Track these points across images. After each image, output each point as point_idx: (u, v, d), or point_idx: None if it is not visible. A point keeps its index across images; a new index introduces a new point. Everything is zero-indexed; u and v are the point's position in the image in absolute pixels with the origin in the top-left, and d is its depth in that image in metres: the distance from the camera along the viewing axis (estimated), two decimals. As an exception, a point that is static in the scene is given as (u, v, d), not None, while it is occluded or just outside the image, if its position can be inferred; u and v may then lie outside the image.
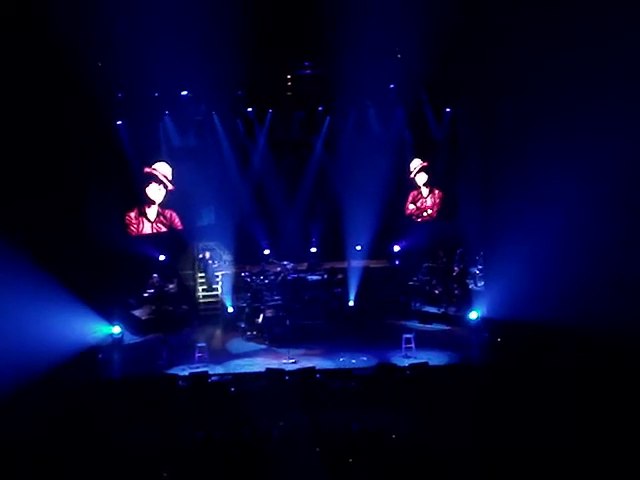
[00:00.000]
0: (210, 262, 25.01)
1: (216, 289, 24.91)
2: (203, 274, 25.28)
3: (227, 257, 25.68)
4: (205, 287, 25.11)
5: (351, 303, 23.20)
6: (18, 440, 13.41)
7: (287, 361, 19.25)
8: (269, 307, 22.20)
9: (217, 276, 25.06)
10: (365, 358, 19.36)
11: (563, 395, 14.66)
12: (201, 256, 25.35)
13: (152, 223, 24.97)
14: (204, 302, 24.85)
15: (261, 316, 22.00)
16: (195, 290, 25.09)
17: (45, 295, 18.11)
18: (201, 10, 18.47)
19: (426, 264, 24.65)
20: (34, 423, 14.13)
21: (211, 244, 25.63)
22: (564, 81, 17.55)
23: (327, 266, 24.98)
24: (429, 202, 26.98)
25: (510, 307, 19.03)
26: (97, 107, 20.83)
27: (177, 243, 24.94)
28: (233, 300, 24.08)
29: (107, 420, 14.72)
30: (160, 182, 24.85)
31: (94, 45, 19.15)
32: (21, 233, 18.27)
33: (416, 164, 26.78)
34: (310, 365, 18.14)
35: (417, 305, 23.81)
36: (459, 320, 22.15)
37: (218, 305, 24.37)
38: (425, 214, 27.05)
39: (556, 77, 17.68)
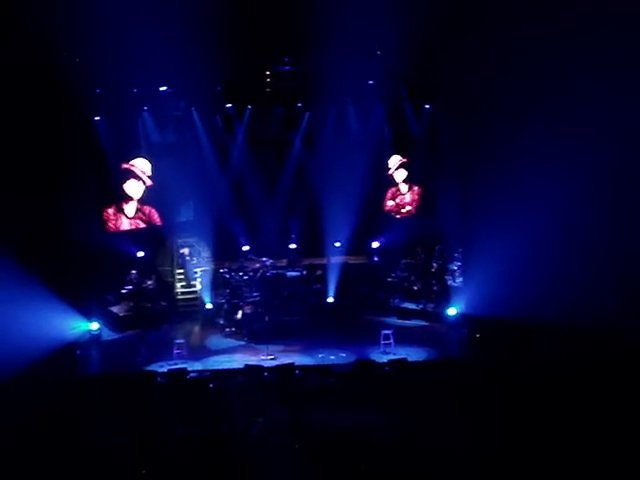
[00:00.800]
0: (189, 258, 24.93)
1: (195, 285, 24.82)
2: (182, 270, 25.15)
3: (206, 253, 25.59)
4: (184, 284, 24.97)
5: (330, 299, 23.24)
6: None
7: (266, 357, 19.24)
8: (248, 303, 22.17)
9: (196, 272, 24.97)
10: (344, 354, 19.39)
11: (541, 391, 14.76)
12: (180, 252, 25.22)
13: (130, 219, 24.87)
14: (183, 298, 24.74)
15: (240, 312, 21.97)
16: (174, 286, 24.98)
17: (23, 291, 18.07)
18: (180, 5, 18.41)
19: (405, 260, 24.67)
20: (12, 419, 14.07)
21: (190, 240, 25.52)
22: (545, 78, 17.65)
23: (306, 262, 25.01)
24: (408, 198, 26.99)
25: (489, 303, 19.13)
26: (75, 103, 20.72)
27: (156, 239, 24.81)
28: (212, 296, 24.04)
29: (85, 416, 14.66)
30: (139, 178, 24.76)
31: (72, 41, 19.04)
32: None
33: (395, 160, 26.78)
34: (289, 361, 18.15)
35: (396, 301, 23.83)
36: (438, 316, 22.22)
37: (197, 302, 24.30)
38: (404, 210, 27.05)
39: (537, 73, 17.77)
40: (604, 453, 12.29)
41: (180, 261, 25.19)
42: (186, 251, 25.05)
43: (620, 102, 16.40)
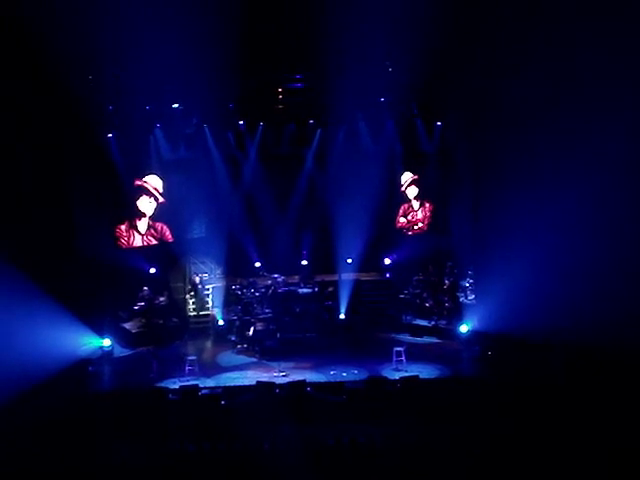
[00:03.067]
0: (201, 287, 24.78)
1: (207, 311, 24.81)
2: (194, 298, 25.07)
3: (218, 272, 25.58)
4: (195, 307, 25.01)
5: (342, 316, 23.22)
6: (7, 453, 13.36)
7: (278, 374, 19.21)
8: (260, 320, 22.18)
9: (208, 302, 24.91)
10: (356, 371, 19.33)
11: (552, 408, 14.69)
12: (192, 280, 25.14)
13: (143, 236, 24.92)
14: (194, 315, 24.76)
15: (252, 329, 21.95)
16: (185, 303, 24.97)
17: (36, 308, 18.07)
18: (193, 23, 18.48)
19: (417, 277, 24.67)
20: (24, 435, 14.08)
21: (202, 260, 25.46)
22: (557, 94, 17.61)
23: (318, 279, 24.96)
24: (420, 215, 27.00)
25: (501, 320, 19.06)
26: (88, 120, 20.81)
27: (168, 256, 24.85)
28: (224, 313, 24.08)
29: (97, 433, 14.66)
30: (151, 195, 24.83)
31: (85, 58, 19.14)
32: (11, 246, 18.20)
33: (407, 177, 26.82)
34: (301, 378, 18.06)
35: (408, 318, 23.80)
36: (450, 333, 22.16)
37: (209, 318, 24.31)
38: (416, 227, 27.07)
39: (549, 90, 17.73)
40: (619, 473, 12.22)
41: (192, 288, 25.07)
42: (197, 279, 24.85)
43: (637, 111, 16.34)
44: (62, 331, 18.87)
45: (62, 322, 18.95)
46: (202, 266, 25.16)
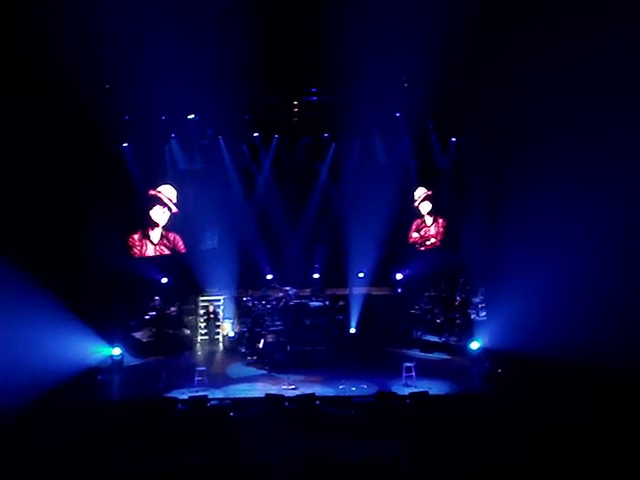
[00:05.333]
0: (212, 317, 24.54)
1: (216, 341, 24.57)
2: (207, 329, 24.72)
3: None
4: (207, 334, 24.79)
5: (352, 330, 23.16)
6: (17, 462, 13.38)
7: (287, 387, 19.16)
8: (270, 332, 22.15)
9: (218, 332, 24.61)
10: (365, 386, 19.26)
11: (562, 428, 14.60)
12: (204, 311, 24.93)
13: (155, 245, 25.01)
14: (205, 326, 24.71)
15: (262, 341, 21.92)
16: (197, 314, 24.94)
17: (46, 316, 18.11)
18: (210, 34, 18.55)
19: (428, 293, 24.62)
20: (33, 444, 14.09)
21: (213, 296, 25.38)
22: (572, 114, 17.56)
23: (329, 292, 24.94)
24: (432, 231, 26.99)
25: (512, 338, 18.97)
26: (104, 129, 20.90)
27: (180, 266, 24.87)
28: (234, 324, 24.08)
29: (104, 442, 14.65)
30: (164, 205, 24.92)
31: (102, 67, 19.22)
32: (23, 254, 18.25)
33: (420, 193, 26.83)
34: (310, 392, 18.03)
35: (418, 334, 23.74)
36: (460, 350, 22.08)
37: (219, 329, 24.31)
38: (428, 243, 27.05)
39: (567, 108, 17.68)
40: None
41: (203, 318, 24.87)
42: (211, 308, 24.56)
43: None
44: (73, 339, 18.92)
45: (73, 330, 19.00)
46: (215, 307, 24.75)
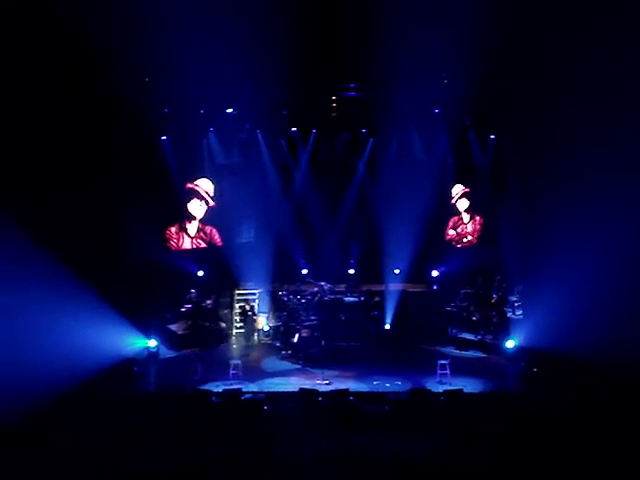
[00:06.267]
0: (250, 314, 24.40)
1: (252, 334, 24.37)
2: (243, 328, 24.56)
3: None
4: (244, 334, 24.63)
5: (387, 326, 23.13)
6: (52, 452, 13.50)
7: (321, 382, 19.21)
8: (305, 327, 22.20)
9: (253, 326, 24.39)
10: (399, 382, 19.25)
11: (596, 431, 14.48)
12: (240, 309, 24.93)
13: (192, 238, 25.11)
14: (241, 319, 24.73)
15: (296, 336, 21.97)
16: (232, 307, 25.01)
17: (84, 307, 18.25)
18: (249, 29, 18.59)
19: (464, 290, 24.49)
20: (69, 433, 14.22)
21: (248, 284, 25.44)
22: (612, 113, 17.40)
23: (364, 288, 24.93)
24: (469, 228, 26.85)
25: (548, 337, 18.84)
26: (143, 121, 21.01)
27: (216, 259, 24.95)
28: (269, 318, 24.13)
29: (139, 433, 14.75)
30: (202, 198, 25.01)
31: (142, 61, 19.31)
32: (61, 245, 18.41)
33: (458, 190, 26.70)
34: (344, 387, 18.04)
35: (454, 331, 23.66)
36: (496, 348, 21.97)
37: (254, 323, 24.34)
38: (465, 240, 26.91)
39: (606, 106, 17.53)
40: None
41: (240, 316, 24.81)
42: (247, 307, 24.46)
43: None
44: (110, 330, 19.05)
45: (110, 321, 19.13)
46: (252, 304, 24.73)
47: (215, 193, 25.28)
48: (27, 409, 14.59)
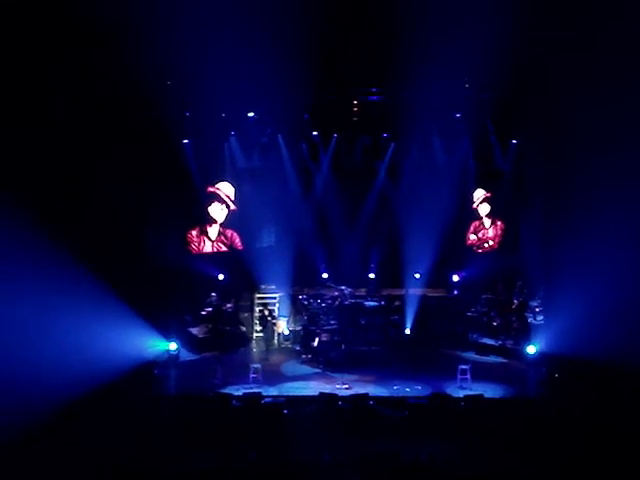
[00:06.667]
0: (270, 319, 24.02)
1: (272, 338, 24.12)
2: (262, 332, 24.30)
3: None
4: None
5: (407, 331, 23.06)
6: (74, 453, 13.57)
7: (341, 386, 19.17)
8: (325, 331, 22.15)
9: (273, 330, 24.14)
10: (419, 387, 19.19)
11: (619, 437, 14.40)
12: (260, 313, 24.66)
13: (213, 242, 25.19)
14: (260, 323, 24.70)
15: (316, 340, 21.95)
16: (252, 311, 24.99)
17: (104, 309, 18.31)
18: (270, 33, 18.61)
19: (485, 295, 24.42)
20: (89, 435, 14.28)
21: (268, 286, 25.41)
22: (635, 117, 17.30)
23: (385, 293, 24.90)
24: (491, 233, 26.79)
25: (569, 343, 18.71)
26: (165, 125, 21.07)
27: (237, 263, 24.98)
28: (289, 322, 24.13)
29: (158, 436, 14.80)
30: (222, 202, 25.09)
31: (165, 64, 19.39)
32: (81, 247, 18.49)
33: (479, 194, 26.64)
34: (364, 391, 18.04)
35: (474, 336, 23.58)
36: (517, 353, 21.84)
37: (274, 327, 24.34)
38: (486, 245, 26.85)
39: (626, 114, 17.43)
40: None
41: (260, 321, 24.56)
42: (266, 312, 24.04)
43: None
44: (130, 333, 19.10)
45: (131, 324, 19.18)
46: (271, 309, 24.57)
47: (236, 197, 25.35)
48: (48, 411, 14.68)
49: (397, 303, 24.07)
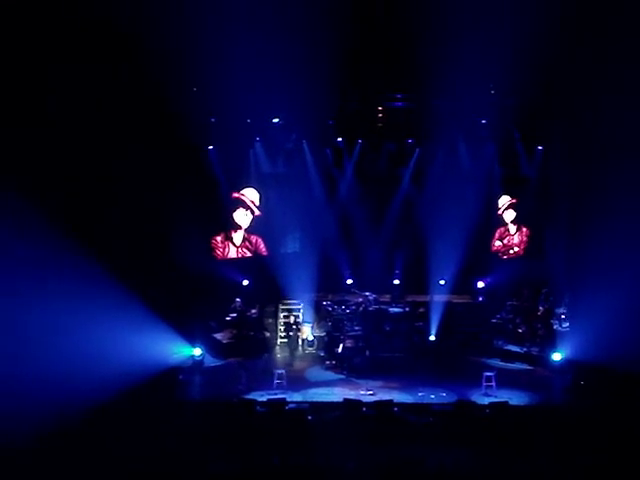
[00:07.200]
0: (294, 327, 23.83)
1: (296, 344, 23.88)
2: (287, 338, 24.03)
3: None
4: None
5: (432, 337, 22.97)
6: (99, 458, 13.63)
7: (365, 392, 19.13)
8: (349, 337, 22.12)
9: (298, 336, 23.89)
10: (444, 394, 19.11)
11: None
12: (284, 318, 24.71)
13: (237, 248, 25.24)
14: (285, 329, 24.69)
15: (341, 346, 21.92)
16: (277, 317, 24.99)
17: (130, 315, 18.42)
18: (296, 40, 18.66)
19: (510, 302, 24.29)
20: (117, 440, 14.34)
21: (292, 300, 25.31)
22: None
23: (409, 299, 24.84)
24: (516, 239, 26.69)
25: (595, 350, 18.64)
26: (190, 131, 21.16)
27: (261, 269, 24.99)
28: (313, 328, 24.11)
29: (183, 441, 14.83)
30: (247, 207, 25.14)
31: (190, 71, 19.50)
32: (108, 253, 18.62)
33: (504, 201, 26.55)
34: (388, 398, 17.99)
35: (499, 343, 23.44)
36: (542, 361, 21.73)
37: (298, 333, 24.32)
38: (511, 251, 26.75)
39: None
40: None
41: (284, 328, 24.46)
42: (292, 319, 23.98)
43: None
44: (156, 338, 19.21)
45: (156, 330, 19.29)
46: (296, 318, 24.43)
47: (261, 202, 25.41)
48: (73, 416, 14.75)
49: (422, 309, 24.01)
